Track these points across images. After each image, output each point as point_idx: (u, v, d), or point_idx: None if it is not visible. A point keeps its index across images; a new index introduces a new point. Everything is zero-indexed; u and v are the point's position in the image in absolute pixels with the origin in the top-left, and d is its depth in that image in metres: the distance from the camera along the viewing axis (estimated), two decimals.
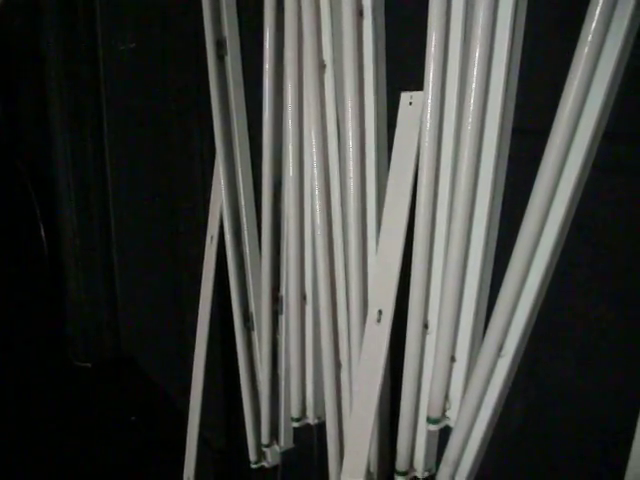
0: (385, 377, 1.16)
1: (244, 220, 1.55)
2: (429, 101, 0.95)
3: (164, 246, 2.38)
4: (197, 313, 1.74)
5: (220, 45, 1.52)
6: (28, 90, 3.64)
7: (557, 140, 0.79)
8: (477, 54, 0.87)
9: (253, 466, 1.67)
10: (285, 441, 1.57)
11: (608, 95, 0.77)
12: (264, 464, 1.66)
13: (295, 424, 1.45)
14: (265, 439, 1.57)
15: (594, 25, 0.73)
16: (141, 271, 2.84)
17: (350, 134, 1.11)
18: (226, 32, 1.51)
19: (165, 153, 2.14)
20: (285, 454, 1.63)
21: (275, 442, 1.59)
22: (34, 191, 3.37)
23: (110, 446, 2.53)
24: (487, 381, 0.95)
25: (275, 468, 1.68)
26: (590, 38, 0.74)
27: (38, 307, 3.43)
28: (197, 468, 1.78)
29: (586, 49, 0.75)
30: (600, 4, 0.72)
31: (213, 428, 1.89)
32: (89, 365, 3.19)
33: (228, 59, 1.51)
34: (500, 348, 0.93)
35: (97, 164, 2.99)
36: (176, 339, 2.33)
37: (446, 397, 1.05)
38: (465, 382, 1.01)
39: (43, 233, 3.33)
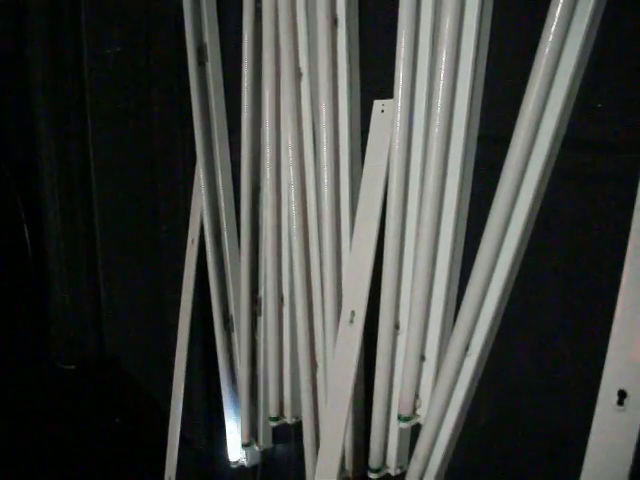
0: (359, 376, 1.19)
1: (224, 223, 1.58)
2: (399, 108, 0.98)
3: (147, 248, 2.40)
4: (179, 315, 1.77)
5: (201, 52, 1.55)
6: (11, 92, 3.64)
7: (518, 146, 0.83)
8: (444, 65, 0.90)
9: (233, 466, 1.69)
10: (264, 440, 1.60)
11: (566, 103, 0.81)
12: (244, 463, 1.68)
13: (273, 424, 1.47)
14: (245, 439, 1.59)
15: (551, 38, 0.77)
16: (125, 273, 2.86)
17: (325, 140, 1.14)
18: (207, 39, 1.54)
19: (148, 157, 2.16)
20: (264, 453, 1.65)
21: (254, 442, 1.61)
22: (18, 194, 3.37)
23: (94, 447, 2.54)
24: (455, 379, 0.99)
25: (255, 467, 1.70)
26: (547, 51, 0.78)
27: (22, 309, 3.42)
28: (178, 468, 1.80)
29: (543, 61, 0.79)
30: (556, 20, 0.76)
31: (194, 428, 1.91)
32: (73, 367, 3.20)
33: (209, 65, 1.54)
34: (467, 347, 0.96)
35: (81, 167, 2.99)
36: (159, 341, 2.35)
37: (417, 395, 1.08)
38: (435, 381, 1.04)
39: (27, 236, 3.33)
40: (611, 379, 0.78)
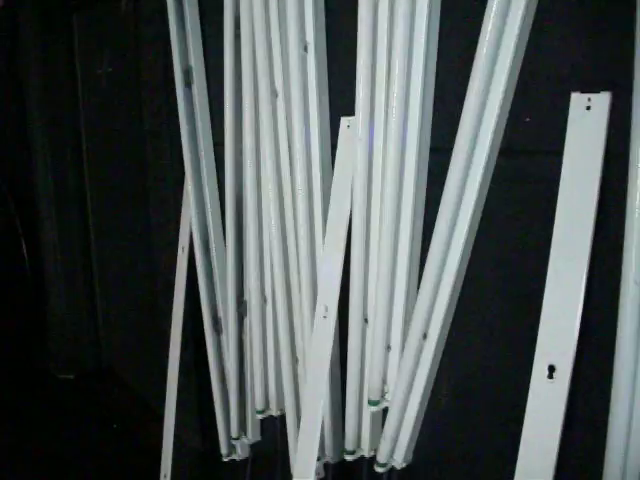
0: (335, 365, 1.31)
1: (211, 232, 1.70)
2: (359, 125, 1.11)
3: (140, 258, 2.51)
4: (170, 320, 1.88)
5: (187, 73, 1.67)
6: (6, 110, 3.76)
7: (459, 155, 0.96)
8: (396, 87, 1.03)
9: (225, 459, 1.80)
10: (253, 433, 1.71)
11: (499, 118, 0.94)
12: (234, 457, 1.79)
13: (260, 416, 1.59)
14: (234, 432, 1.71)
15: (481, 69, 0.90)
16: (120, 284, 2.97)
17: (298, 153, 1.27)
18: (192, 62, 1.66)
19: (140, 171, 2.28)
20: (254, 447, 1.76)
21: (244, 435, 1.72)
22: (15, 209, 3.48)
23: (94, 451, 2.65)
24: (415, 364, 1.11)
25: (245, 461, 1.81)
26: (479, 76, 0.91)
27: (21, 322, 3.53)
28: (173, 466, 1.91)
29: (477, 82, 0.92)
30: (484, 53, 0.89)
31: (187, 428, 2.02)
32: (71, 377, 3.31)
33: (194, 87, 1.66)
34: (424, 335, 1.08)
35: (76, 182, 3.12)
36: (153, 348, 2.46)
37: (384, 381, 1.20)
38: (399, 367, 1.16)
39: (25, 249, 3.44)
40: (542, 356, 0.90)
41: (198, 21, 1.66)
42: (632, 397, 0.82)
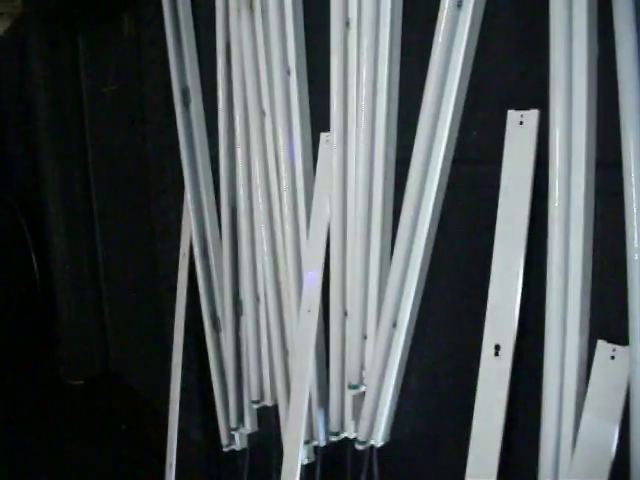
0: (321, 356, 1.46)
1: (209, 239, 1.86)
2: (334, 140, 1.27)
3: (145, 266, 2.67)
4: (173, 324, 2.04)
5: (185, 93, 1.83)
6: (17, 131, 3.94)
7: (416, 165, 1.11)
8: (364, 108, 1.19)
9: (225, 449, 1.95)
10: (250, 424, 1.86)
11: (451, 130, 1.09)
12: (234, 447, 1.94)
13: (255, 406, 1.73)
14: (233, 423, 1.85)
15: (432, 89, 1.06)
16: (126, 292, 3.12)
17: (284, 167, 1.43)
18: (189, 82, 1.83)
19: (143, 184, 2.44)
20: (251, 437, 1.91)
21: (242, 426, 1.87)
22: (25, 222, 3.65)
23: (105, 451, 2.81)
24: (387, 350, 1.25)
25: (244, 451, 1.95)
26: (430, 95, 1.06)
27: (31, 331, 3.69)
28: (177, 457, 2.06)
29: (429, 104, 1.07)
30: (434, 77, 1.05)
31: (190, 422, 2.16)
32: (81, 382, 3.46)
33: (192, 105, 1.82)
34: (394, 324, 1.23)
35: (84, 195, 3.28)
36: (157, 351, 2.61)
37: (362, 367, 1.34)
38: (373, 354, 1.31)
39: (35, 260, 3.61)
40: (489, 337, 1.05)
41: (194, 46, 1.82)
42: (561, 372, 0.96)
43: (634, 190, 0.82)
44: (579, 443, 0.93)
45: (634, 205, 0.82)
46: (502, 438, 1.03)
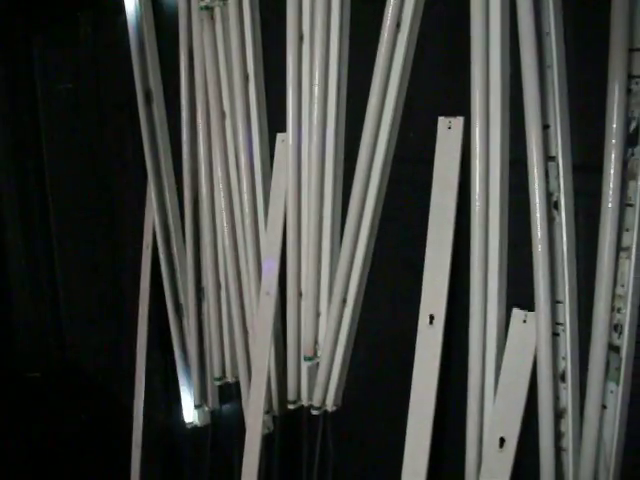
0: (279, 333, 1.62)
1: (172, 229, 1.99)
2: (290, 139, 1.43)
3: (104, 258, 2.76)
4: (136, 312, 2.15)
5: (147, 95, 1.96)
6: None
7: (362, 162, 1.28)
8: (315, 112, 1.36)
9: (188, 426, 2.09)
10: (212, 401, 2.00)
11: (391, 133, 1.27)
12: (197, 423, 2.08)
13: (217, 383, 1.88)
14: (196, 400, 2.00)
15: (374, 100, 1.23)
16: (83, 283, 3.19)
17: (243, 164, 1.58)
18: (152, 84, 1.95)
19: (104, 178, 2.54)
20: (214, 414, 2.05)
21: (205, 403, 2.01)
22: None
23: (66, 440, 2.88)
24: (338, 325, 1.43)
25: (206, 427, 2.09)
26: (374, 101, 1.24)
27: None
28: (142, 435, 2.18)
29: (372, 108, 1.24)
30: (377, 86, 1.22)
31: (154, 401, 2.29)
32: (38, 375, 3.51)
33: (154, 106, 1.95)
34: (344, 300, 1.40)
35: (38, 189, 3.34)
36: (116, 342, 2.72)
37: (316, 341, 1.52)
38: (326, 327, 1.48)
39: None
40: (425, 308, 1.23)
41: (156, 50, 1.95)
42: (483, 334, 1.15)
43: (537, 184, 1.01)
44: (499, 390, 1.12)
45: (537, 198, 1.01)
46: (436, 395, 1.21)
